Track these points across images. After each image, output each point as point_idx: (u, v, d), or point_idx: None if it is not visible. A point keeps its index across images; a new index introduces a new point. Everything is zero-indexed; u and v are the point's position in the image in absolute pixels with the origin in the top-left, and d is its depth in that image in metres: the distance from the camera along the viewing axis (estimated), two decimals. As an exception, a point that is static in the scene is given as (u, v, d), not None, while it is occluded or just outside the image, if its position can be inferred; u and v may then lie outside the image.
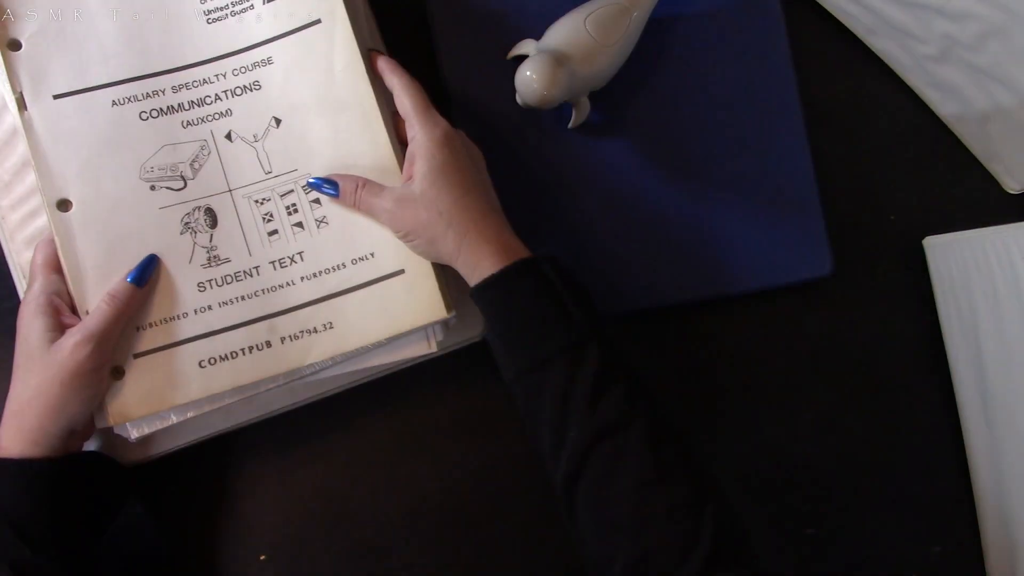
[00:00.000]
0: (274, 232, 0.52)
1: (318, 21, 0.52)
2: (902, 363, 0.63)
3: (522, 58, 0.55)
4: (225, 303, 0.51)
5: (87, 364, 0.47)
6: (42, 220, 0.56)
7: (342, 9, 0.52)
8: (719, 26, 0.61)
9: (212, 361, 0.51)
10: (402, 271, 0.52)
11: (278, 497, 0.59)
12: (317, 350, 0.51)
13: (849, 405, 0.62)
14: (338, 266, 0.52)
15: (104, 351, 0.48)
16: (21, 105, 0.50)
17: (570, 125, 0.59)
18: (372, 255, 0.52)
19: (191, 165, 0.51)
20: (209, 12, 0.53)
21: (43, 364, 0.48)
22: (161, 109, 0.52)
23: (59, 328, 0.49)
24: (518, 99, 0.55)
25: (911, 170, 0.65)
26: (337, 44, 0.52)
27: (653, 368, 0.59)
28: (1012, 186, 0.64)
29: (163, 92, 0.52)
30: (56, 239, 0.50)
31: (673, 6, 0.60)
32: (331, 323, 0.51)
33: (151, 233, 0.51)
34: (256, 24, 0.53)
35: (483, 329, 0.52)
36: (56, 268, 0.50)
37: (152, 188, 0.51)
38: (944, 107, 0.64)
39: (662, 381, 0.57)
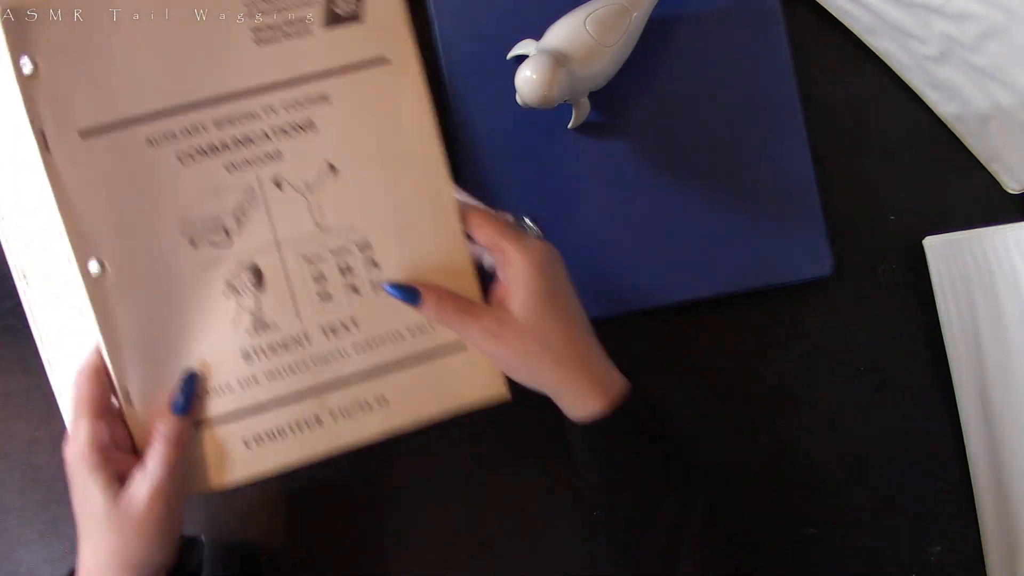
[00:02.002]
0: (326, 295, 0.47)
1: (386, 60, 0.46)
2: (902, 363, 0.63)
3: (522, 58, 0.55)
4: (272, 374, 0.46)
5: (164, 511, 0.43)
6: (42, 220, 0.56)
7: (414, 51, 0.46)
8: (719, 26, 0.61)
9: (258, 440, 0.46)
10: (463, 348, 0.48)
11: (278, 497, 0.59)
12: (370, 428, 0.47)
13: (849, 405, 0.62)
14: (394, 335, 0.47)
15: (176, 489, 0.44)
16: (43, 145, 0.42)
17: (570, 125, 0.59)
18: (432, 324, 0.48)
19: (235, 216, 0.45)
20: (258, 29, 0.45)
21: (115, 524, 0.43)
22: (202, 149, 0.45)
23: (118, 478, 0.43)
24: (518, 99, 0.55)
25: (911, 170, 0.65)
26: (406, 90, 0.46)
27: (653, 368, 0.59)
28: (1012, 186, 0.64)
29: (205, 128, 0.44)
30: (91, 308, 0.44)
31: (673, 6, 0.60)
32: (385, 397, 0.47)
33: (192, 296, 0.45)
34: (313, 51, 0.45)
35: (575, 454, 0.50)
36: (101, 411, 0.44)
37: (193, 243, 0.45)
38: (944, 107, 0.64)
39: (662, 381, 0.57)
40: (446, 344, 0.48)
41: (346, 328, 0.47)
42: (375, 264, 0.47)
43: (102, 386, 0.43)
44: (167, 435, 0.44)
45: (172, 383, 0.45)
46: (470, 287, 0.47)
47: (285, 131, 0.45)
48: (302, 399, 0.47)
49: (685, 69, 0.61)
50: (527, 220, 0.49)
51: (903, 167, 0.65)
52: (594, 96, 0.58)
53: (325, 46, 0.45)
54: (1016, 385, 0.60)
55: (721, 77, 0.61)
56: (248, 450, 0.46)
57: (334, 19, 0.45)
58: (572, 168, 0.60)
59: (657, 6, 0.58)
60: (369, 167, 0.46)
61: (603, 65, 0.56)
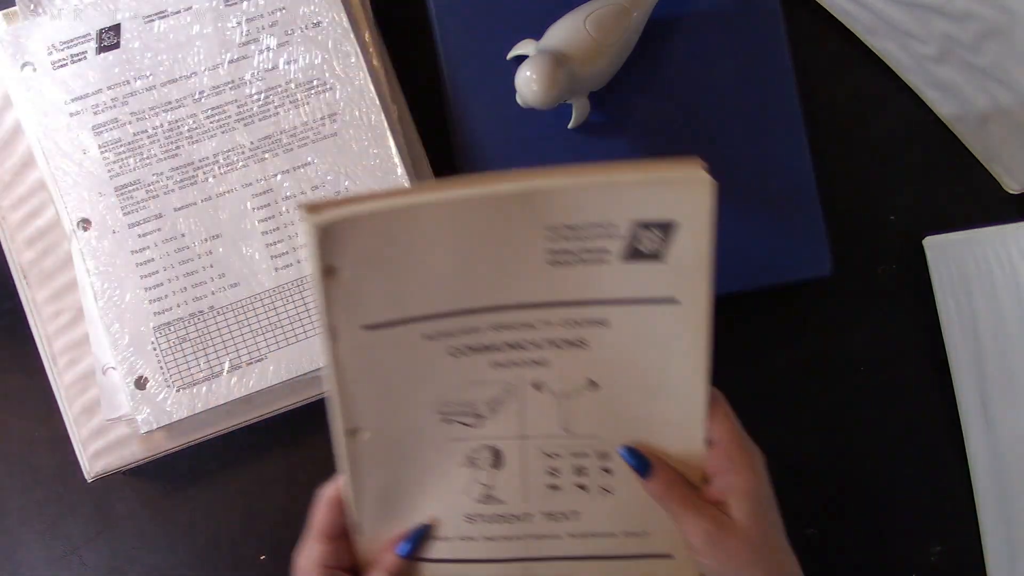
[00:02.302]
0: (555, 487, 0.48)
1: (675, 301, 0.44)
2: (902, 363, 0.63)
3: (522, 58, 0.55)
4: (488, 538, 0.49)
5: None
6: (42, 220, 0.56)
7: (707, 296, 0.44)
8: (719, 26, 0.61)
9: None
10: (670, 555, 0.49)
11: (278, 497, 0.59)
12: None
13: (849, 405, 0.62)
14: (609, 533, 0.49)
15: None
16: (332, 336, 0.43)
17: (570, 125, 0.59)
18: (645, 532, 0.48)
19: (490, 405, 0.47)
20: (555, 252, 0.43)
21: None
22: (473, 347, 0.45)
23: None
24: (518, 99, 0.55)
25: (911, 170, 0.65)
26: (686, 331, 0.45)
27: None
28: (1012, 186, 0.64)
29: (481, 330, 0.45)
30: (343, 464, 0.47)
31: (673, 6, 0.60)
32: None
33: (434, 461, 0.47)
34: (605, 280, 0.44)
35: None
36: (334, 535, 0.47)
37: (446, 421, 0.47)
38: (944, 107, 0.64)
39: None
40: (654, 552, 0.49)
41: (566, 517, 0.49)
42: (608, 472, 0.48)
43: (339, 515, 0.47)
44: (388, 569, 0.47)
45: (400, 526, 0.48)
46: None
47: (556, 344, 0.45)
48: (510, 563, 0.49)
49: (685, 69, 0.61)
50: None
51: (903, 167, 0.65)
52: (594, 96, 0.58)
53: (619, 278, 0.43)
54: (1016, 385, 0.60)
55: (721, 77, 0.61)
56: None
57: (634, 255, 0.43)
58: (572, 168, 0.60)
59: (657, 6, 0.58)
60: (627, 390, 0.46)
61: (603, 65, 0.56)
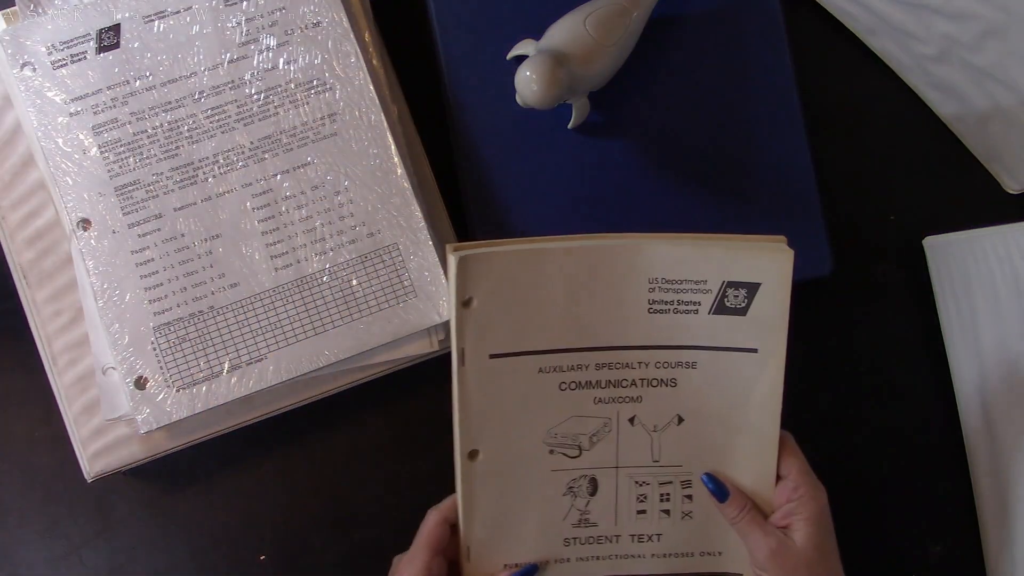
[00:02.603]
0: (642, 512, 0.54)
1: (755, 350, 0.52)
2: (902, 363, 0.63)
3: (522, 58, 0.55)
4: (582, 559, 0.54)
5: None
6: (42, 220, 0.56)
7: (783, 347, 0.52)
8: (719, 26, 0.61)
9: None
10: (740, 575, 0.55)
11: (278, 497, 0.59)
12: None
13: (849, 405, 0.62)
14: (687, 554, 0.55)
15: None
16: (460, 360, 0.50)
17: (570, 125, 0.59)
18: (720, 553, 0.55)
19: (590, 438, 0.53)
20: (654, 303, 0.51)
21: None
22: (580, 383, 0.52)
23: None
24: (518, 99, 0.55)
25: (911, 170, 0.65)
26: (764, 378, 0.52)
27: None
28: (1012, 186, 0.64)
29: (586, 367, 0.52)
30: (459, 484, 0.52)
31: (673, 6, 0.60)
32: None
33: (537, 489, 0.53)
34: (695, 329, 0.52)
35: None
36: (439, 550, 0.51)
37: (551, 452, 0.53)
38: (944, 107, 0.64)
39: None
40: (726, 571, 0.55)
41: (650, 539, 0.55)
42: (689, 498, 0.54)
43: (447, 532, 0.52)
44: None
45: (505, 552, 0.53)
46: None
47: (651, 383, 0.52)
48: None
49: (685, 69, 0.61)
50: None
51: (903, 167, 0.65)
52: (594, 96, 0.58)
53: (707, 328, 0.51)
54: (1016, 385, 0.60)
55: (721, 77, 0.61)
56: None
57: (721, 309, 0.51)
58: (572, 168, 0.60)
59: (657, 6, 0.58)
60: (710, 425, 0.53)
61: (603, 65, 0.56)
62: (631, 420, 0.53)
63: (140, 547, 0.59)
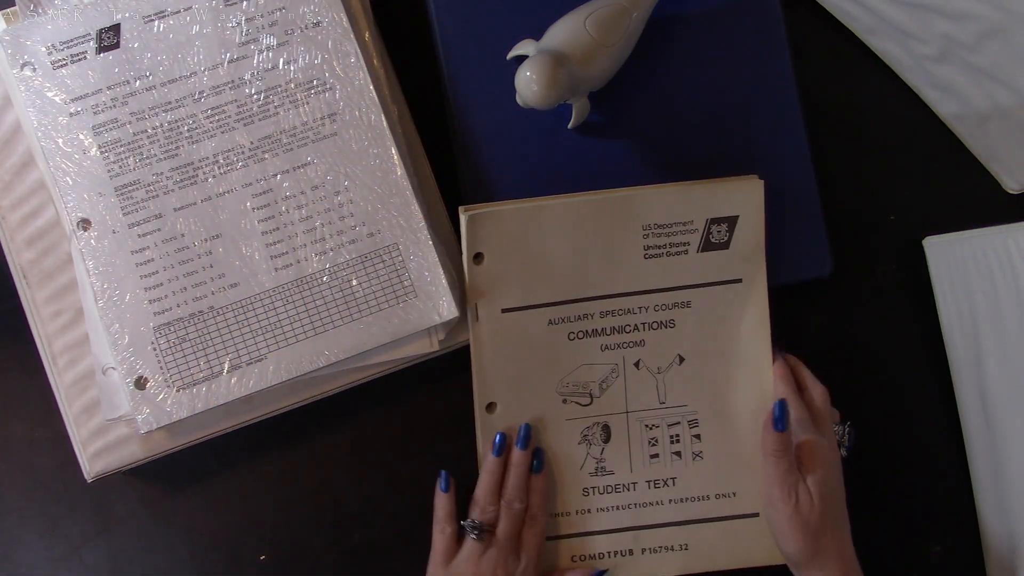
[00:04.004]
0: (655, 456, 0.57)
1: (739, 280, 0.56)
2: (902, 363, 0.63)
3: (522, 58, 0.55)
4: (601, 509, 0.57)
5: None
6: (42, 220, 0.56)
7: (763, 274, 0.57)
8: (719, 26, 0.61)
9: (582, 558, 0.57)
10: (756, 515, 0.57)
11: (278, 497, 0.59)
12: (669, 566, 0.58)
13: (849, 405, 0.62)
14: (703, 496, 0.57)
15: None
16: (474, 316, 0.54)
17: (570, 125, 0.59)
18: (734, 494, 0.57)
19: (600, 385, 0.56)
20: (648, 248, 0.55)
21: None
22: (587, 331, 0.56)
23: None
24: (518, 99, 0.55)
25: (911, 170, 0.65)
26: (750, 305, 0.57)
27: (653, 368, 0.59)
28: (1012, 186, 0.64)
29: (591, 316, 0.56)
30: (479, 438, 0.56)
31: (673, 6, 0.60)
32: (686, 545, 0.58)
33: (554, 439, 0.56)
34: (687, 268, 0.56)
35: None
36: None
37: (564, 401, 0.56)
38: (944, 107, 0.64)
39: (662, 381, 0.57)
40: (742, 512, 0.58)
41: (666, 484, 0.57)
42: (698, 438, 0.57)
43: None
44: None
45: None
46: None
47: (651, 326, 0.56)
48: (621, 533, 0.57)
49: (685, 69, 0.61)
50: (847, 425, 0.58)
51: (903, 167, 0.65)
52: (594, 96, 0.58)
53: (697, 266, 0.56)
54: (1016, 385, 0.60)
55: (721, 77, 0.61)
56: (573, 564, 0.57)
57: (708, 246, 0.56)
58: (572, 168, 0.60)
59: (657, 6, 0.58)
60: (709, 361, 0.57)
61: (603, 65, 0.56)
62: (636, 364, 0.56)
63: (140, 547, 0.59)
